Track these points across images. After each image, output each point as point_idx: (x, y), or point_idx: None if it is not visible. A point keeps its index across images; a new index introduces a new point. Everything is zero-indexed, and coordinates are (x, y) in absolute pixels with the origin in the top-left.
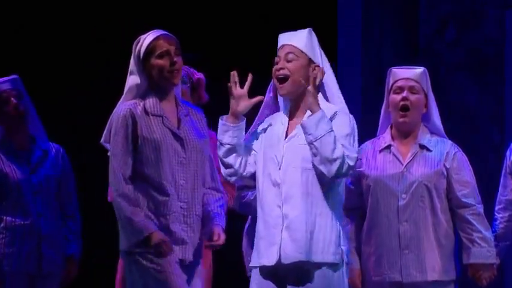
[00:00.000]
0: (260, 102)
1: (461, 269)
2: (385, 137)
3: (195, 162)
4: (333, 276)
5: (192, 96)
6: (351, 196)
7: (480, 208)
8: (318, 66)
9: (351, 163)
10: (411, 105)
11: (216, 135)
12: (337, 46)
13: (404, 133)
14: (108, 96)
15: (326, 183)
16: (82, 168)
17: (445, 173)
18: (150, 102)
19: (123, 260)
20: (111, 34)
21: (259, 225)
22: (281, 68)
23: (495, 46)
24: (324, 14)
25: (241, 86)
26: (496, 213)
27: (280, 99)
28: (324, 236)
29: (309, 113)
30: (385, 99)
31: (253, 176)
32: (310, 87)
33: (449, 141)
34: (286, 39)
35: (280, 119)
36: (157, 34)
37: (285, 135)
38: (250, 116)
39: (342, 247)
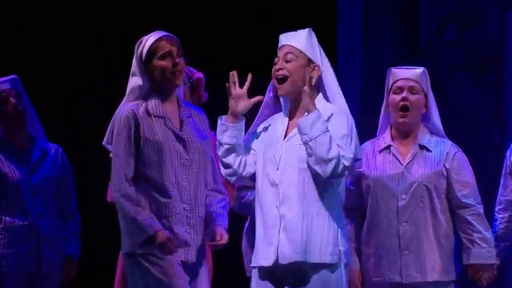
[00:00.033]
0: (260, 102)
1: (461, 270)
2: (385, 137)
3: (197, 163)
4: (331, 277)
5: (191, 95)
6: (350, 196)
7: (480, 208)
8: (318, 66)
9: (347, 163)
10: (411, 105)
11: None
12: (337, 46)
13: (404, 133)
14: (108, 96)
15: (322, 184)
16: (82, 168)
17: (445, 173)
18: (153, 103)
19: (125, 262)
20: (111, 34)
21: (258, 226)
22: (280, 69)
23: (495, 46)
24: (324, 14)
25: (241, 86)
26: (496, 214)
27: (282, 99)
28: (322, 236)
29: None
30: (384, 99)
31: (253, 177)
32: (305, 87)
33: (449, 142)
34: (285, 39)
35: (280, 119)
36: (160, 35)
37: (284, 136)
38: (250, 116)
39: (340, 247)
